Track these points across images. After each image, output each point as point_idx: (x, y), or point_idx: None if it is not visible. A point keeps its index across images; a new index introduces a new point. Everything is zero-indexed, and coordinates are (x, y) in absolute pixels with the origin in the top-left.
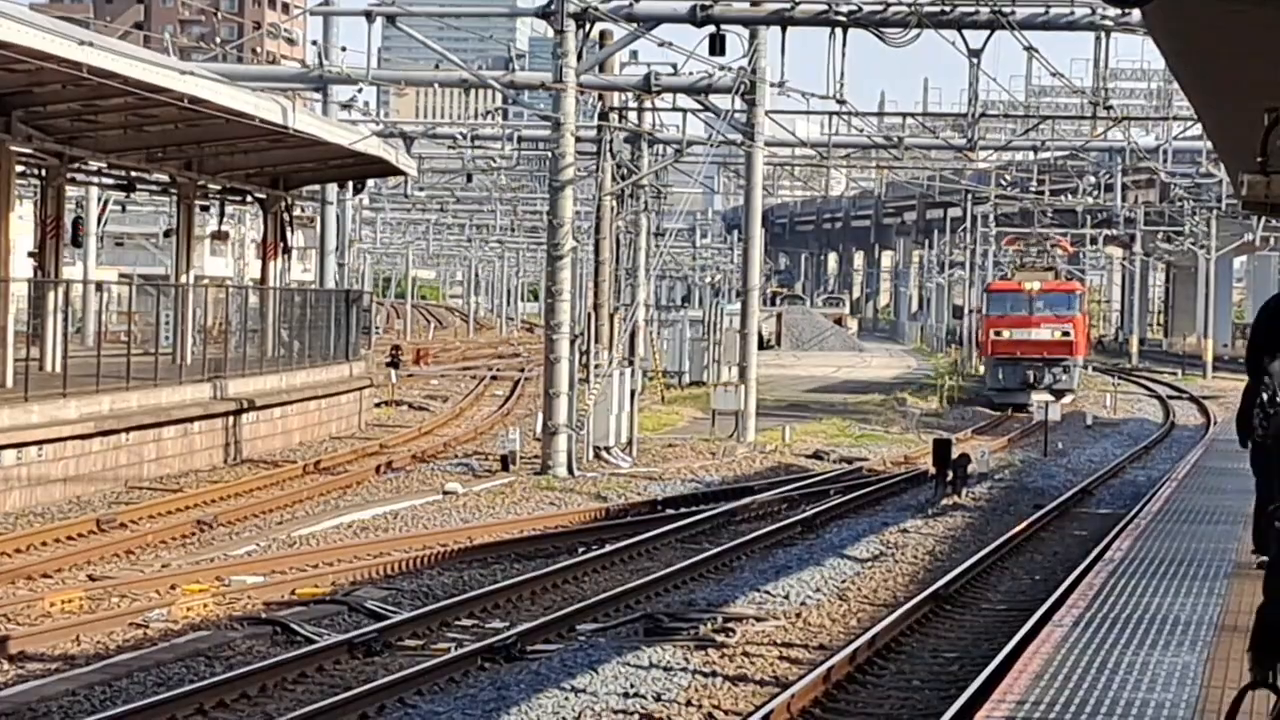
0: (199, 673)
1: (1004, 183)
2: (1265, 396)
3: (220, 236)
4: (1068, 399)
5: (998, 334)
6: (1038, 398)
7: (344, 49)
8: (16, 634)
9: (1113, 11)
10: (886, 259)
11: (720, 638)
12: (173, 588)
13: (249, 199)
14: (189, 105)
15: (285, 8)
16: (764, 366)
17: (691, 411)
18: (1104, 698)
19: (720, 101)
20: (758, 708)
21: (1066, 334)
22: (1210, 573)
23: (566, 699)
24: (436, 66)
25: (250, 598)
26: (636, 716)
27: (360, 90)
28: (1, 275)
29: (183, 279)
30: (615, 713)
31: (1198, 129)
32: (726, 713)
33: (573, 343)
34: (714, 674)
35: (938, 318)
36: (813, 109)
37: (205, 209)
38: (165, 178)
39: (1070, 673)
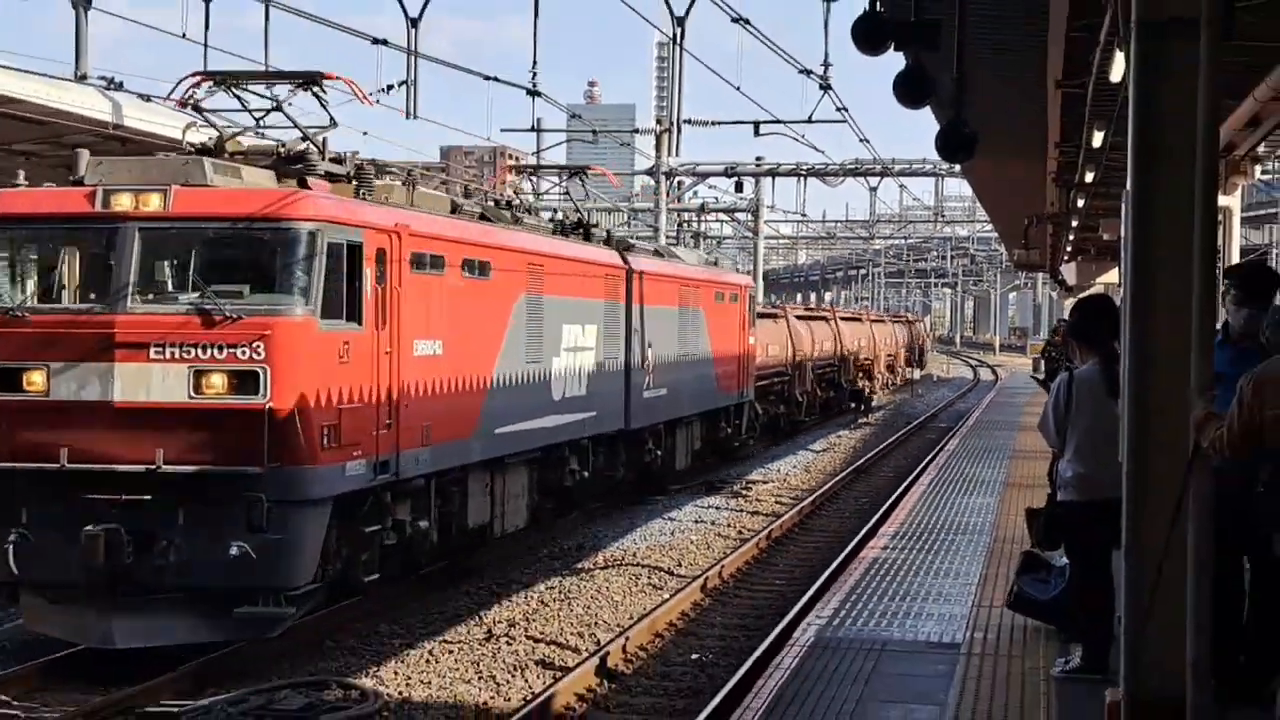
0: None
1: (889, 256)
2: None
3: None
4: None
5: None
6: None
7: None
8: None
9: (945, 166)
10: (827, 297)
11: (744, 491)
12: None
13: None
14: None
15: None
16: None
17: None
18: (948, 518)
19: (740, 216)
20: (765, 526)
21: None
22: (1000, 457)
23: (668, 521)
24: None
25: None
26: (702, 525)
27: None
28: None
29: None
30: (693, 523)
31: (991, 227)
32: (748, 529)
33: None
34: (741, 510)
35: None
36: (788, 219)
37: None
38: None
39: (931, 504)
